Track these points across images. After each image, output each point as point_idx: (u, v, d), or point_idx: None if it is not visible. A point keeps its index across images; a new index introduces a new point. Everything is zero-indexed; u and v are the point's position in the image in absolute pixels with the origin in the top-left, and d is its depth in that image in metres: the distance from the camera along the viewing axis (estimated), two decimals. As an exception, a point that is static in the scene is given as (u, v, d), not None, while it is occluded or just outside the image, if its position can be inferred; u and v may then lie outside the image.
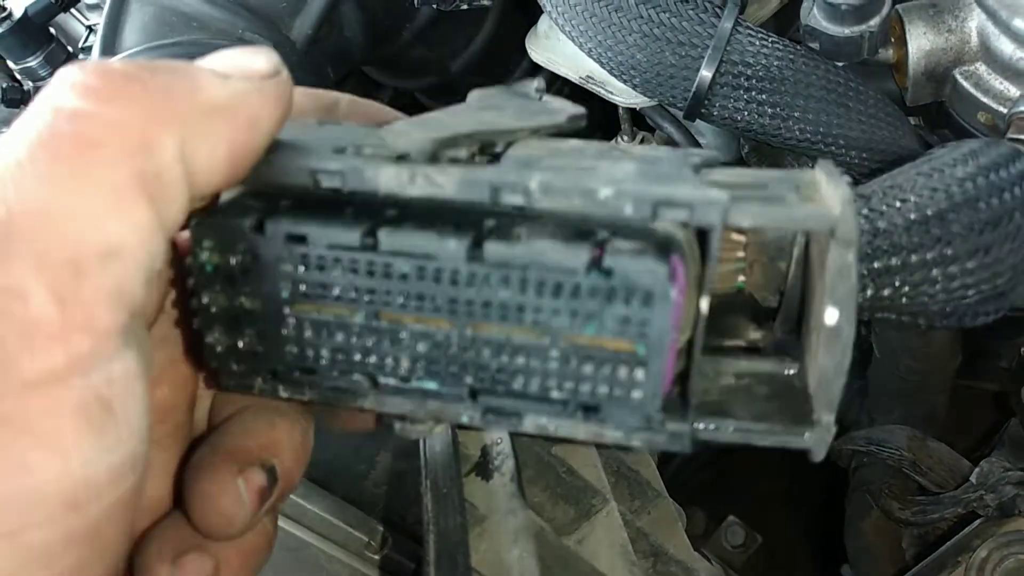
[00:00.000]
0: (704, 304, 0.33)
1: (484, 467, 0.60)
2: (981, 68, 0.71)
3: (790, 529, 1.46)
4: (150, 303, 0.37)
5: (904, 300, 0.52)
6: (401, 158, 0.33)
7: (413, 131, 0.35)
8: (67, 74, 0.30)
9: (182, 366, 0.40)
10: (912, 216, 0.50)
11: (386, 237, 0.32)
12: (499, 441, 0.61)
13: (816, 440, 0.33)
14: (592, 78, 0.97)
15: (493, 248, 0.32)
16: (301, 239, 0.33)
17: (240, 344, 0.35)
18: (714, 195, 0.31)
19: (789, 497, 1.50)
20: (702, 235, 0.32)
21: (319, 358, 0.35)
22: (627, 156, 0.34)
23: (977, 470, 0.87)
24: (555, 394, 0.33)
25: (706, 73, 0.70)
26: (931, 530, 0.97)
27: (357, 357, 0.34)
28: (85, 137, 0.28)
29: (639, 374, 0.32)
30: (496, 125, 0.36)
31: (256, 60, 0.33)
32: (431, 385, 0.34)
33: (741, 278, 0.39)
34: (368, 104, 0.46)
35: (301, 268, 0.33)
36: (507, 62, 1.22)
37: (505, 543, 0.52)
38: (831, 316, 0.32)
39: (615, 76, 0.75)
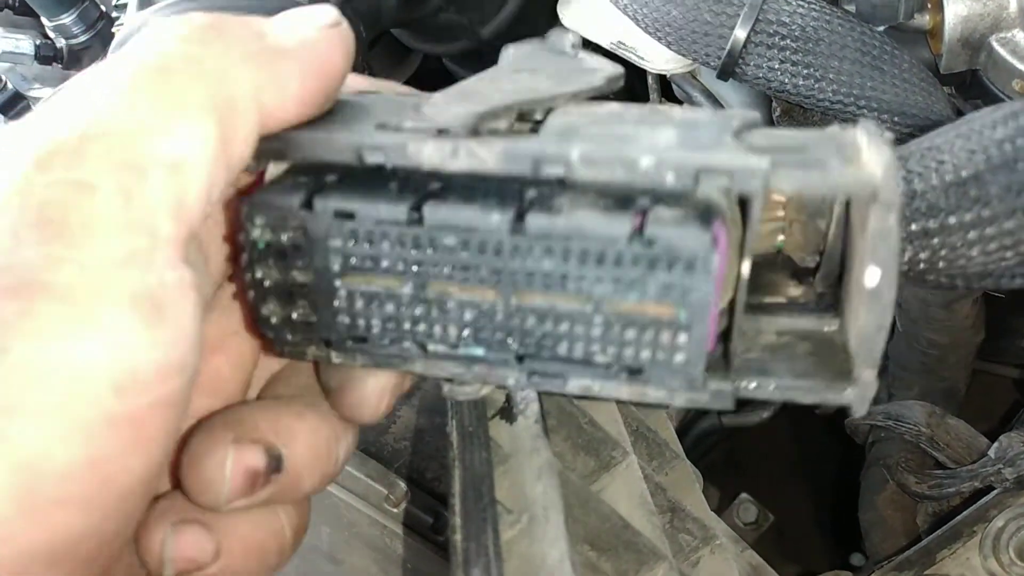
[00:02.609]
0: (745, 267, 0.34)
1: (508, 411, 0.60)
2: (1019, 35, 0.71)
3: (802, 508, 1.46)
4: (211, 242, 0.39)
5: (942, 263, 0.52)
6: (442, 132, 0.34)
7: (453, 105, 0.36)
8: (150, 24, 0.32)
9: (240, 340, 0.41)
10: (949, 178, 0.50)
11: (431, 212, 0.33)
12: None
13: (857, 396, 0.34)
14: (623, 43, 0.97)
15: (535, 220, 0.32)
16: (349, 215, 0.34)
17: (294, 316, 0.37)
18: (755, 163, 0.31)
19: (801, 476, 1.50)
20: (743, 198, 0.33)
21: (370, 328, 0.36)
22: (667, 121, 0.34)
23: (996, 444, 0.87)
24: (599, 359, 0.34)
25: (741, 32, 0.70)
26: (946, 505, 0.97)
27: (407, 326, 0.36)
28: (165, 65, 0.31)
29: (682, 338, 0.33)
30: (534, 93, 0.37)
31: (319, 13, 0.36)
32: (478, 351, 0.35)
33: (781, 237, 0.40)
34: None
35: (350, 242, 0.34)
36: (537, 28, 1.21)
37: (529, 479, 0.53)
38: (872, 277, 0.32)
39: (649, 33, 0.75)
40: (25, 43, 1.33)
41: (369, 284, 0.35)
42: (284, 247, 0.35)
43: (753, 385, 0.35)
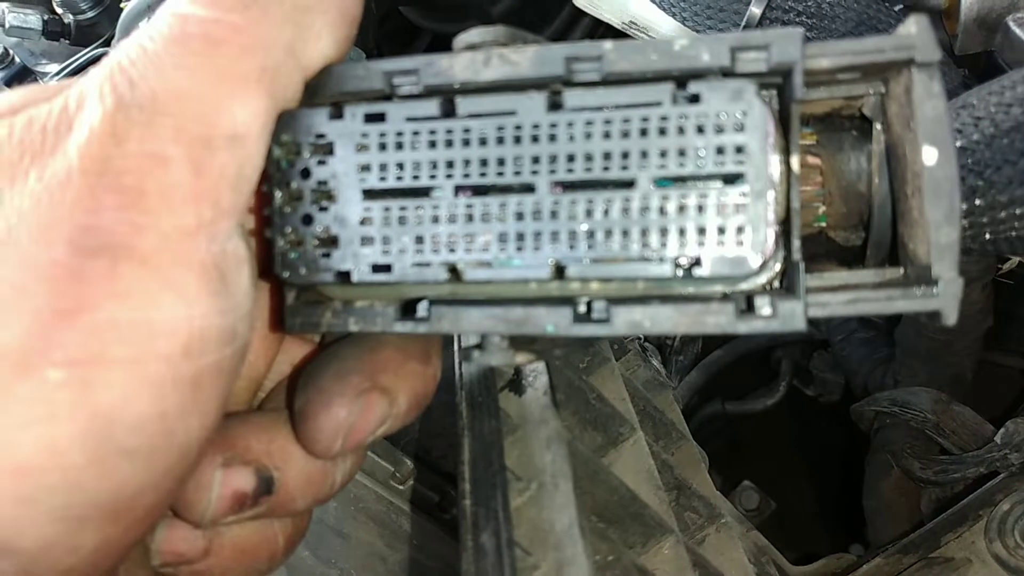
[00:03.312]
0: (795, 162, 0.32)
1: (517, 383, 0.60)
2: (1035, 15, 0.70)
3: (804, 496, 1.46)
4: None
5: (988, 228, 0.51)
6: (473, 46, 0.34)
7: (475, 35, 0.35)
8: None
9: (258, 341, 0.41)
10: (990, 131, 0.49)
11: (464, 101, 0.33)
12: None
13: (945, 296, 0.31)
14: (635, 23, 0.96)
15: (573, 95, 0.32)
16: (379, 117, 0.34)
17: (311, 245, 0.35)
18: (790, 29, 0.31)
19: (804, 464, 1.50)
20: (784, 71, 0.31)
21: (396, 250, 0.34)
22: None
23: (1003, 430, 0.87)
24: (651, 251, 0.32)
25: (756, 9, 0.70)
26: (949, 491, 0.97)
27: (436, 242, 0.34)
28: (212, 36, 0.32)
29: (741, 211, 0.31)
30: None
31: None
32: (515, 262, 0.33)
33: (822, 208, 0.38)
34: None
35: (379, 151, 0.34)
36: (547, 7, 1.21)
37: (538, 448, 0.52)
38: (929, 156, 0.31)
39: (663, 9, 0.75)
40: (33, 18, 1.33)
41: (396, 199, 0.34)
42: (308, 165, 0.34)
43: (825, 300, 0.32)
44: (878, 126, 0.37)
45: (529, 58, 0.32)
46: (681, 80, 0.31)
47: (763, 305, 0.32)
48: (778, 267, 0.33)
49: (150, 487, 0.31)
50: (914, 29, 0.31)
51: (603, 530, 0.55)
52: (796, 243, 0.32)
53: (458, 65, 0.33)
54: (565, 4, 1.09)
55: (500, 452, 0.51)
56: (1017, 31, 0.71)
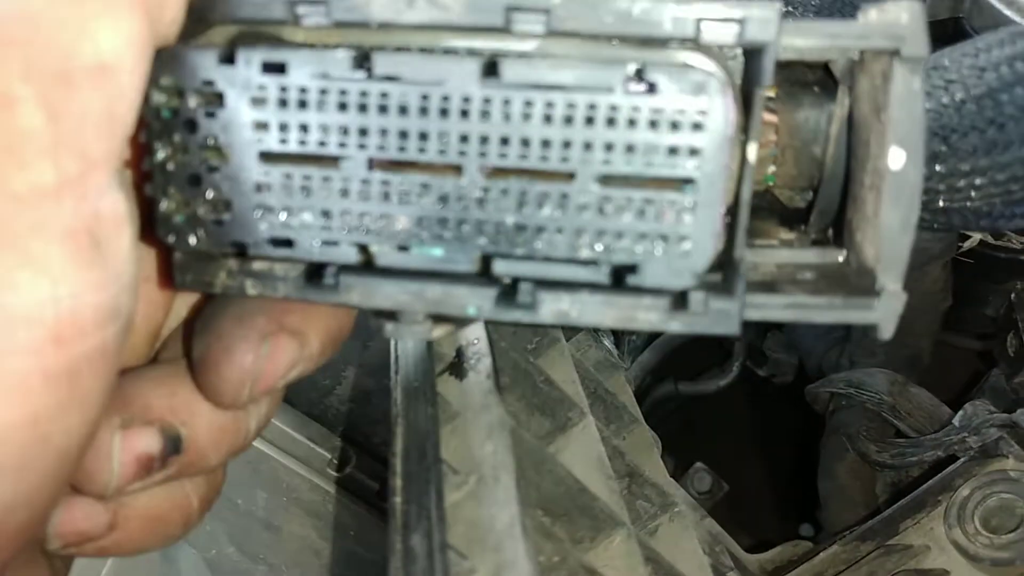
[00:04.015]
0: (752, 152, 0.29)
1: (458, 367, 0.56)
2: (1006, -21, 0.67)
3: (757, 478, 1.45)
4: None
5: (943, 196, 0.48)
6: None
7: None
8: None
9: (151, 288, 0.36)
10: (960, 96, 0.46)
11: (383, 59, 0.28)
12: (475, 341, 0.57)
13: (885, 311, 0.30)
14: None
15: (512, 68, 0.27)
16: (279, 68, 0.28)
17: (201, 211, 0.30)
18: (767, 6, 0.27)
19: (757, 446, 1.49)
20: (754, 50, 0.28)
21: (299, 224, 0.30)
22: None
23: (961, 412, 0.85)
24: (585, 253, 0.29)
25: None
26: (905, 475, 0.95)
27: (345, 220, 0.29)
28: None
29: (687, 219, 0.28)
30: None
31: None
32: (435, 251, 0.29)
33: (771, 168, 0.35)
34: None
35: (279, 108, 0.28)
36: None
37: (478, 438, 0.48)
38: (896, 159, 0.28)
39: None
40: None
41: (300, 164, 0.29)
42: (194, 115, 0.29)
43: (762, 302, 0.30)
44: (845, 88, 0.34)
45: (462, 2, 0.28)
46: (639, 68, 0.28)
47: (697, 303, 0.29)
48: (716, 254, 0.30)
49: (22, 503, 0.27)
50: (905, 18, 0.28)
51: (549, 526, 0.51)
52: (740, 238, 0.29)
53: (377, 1, 0.28)
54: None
55: (436, 443, 0.47)
56: (987, -4, 0.68)
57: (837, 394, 1.02)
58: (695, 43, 0.28)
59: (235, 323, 0.34)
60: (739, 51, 0.30)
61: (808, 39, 0.28)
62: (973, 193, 0.47)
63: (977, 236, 0.86)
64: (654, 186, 0.28)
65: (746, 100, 0.29)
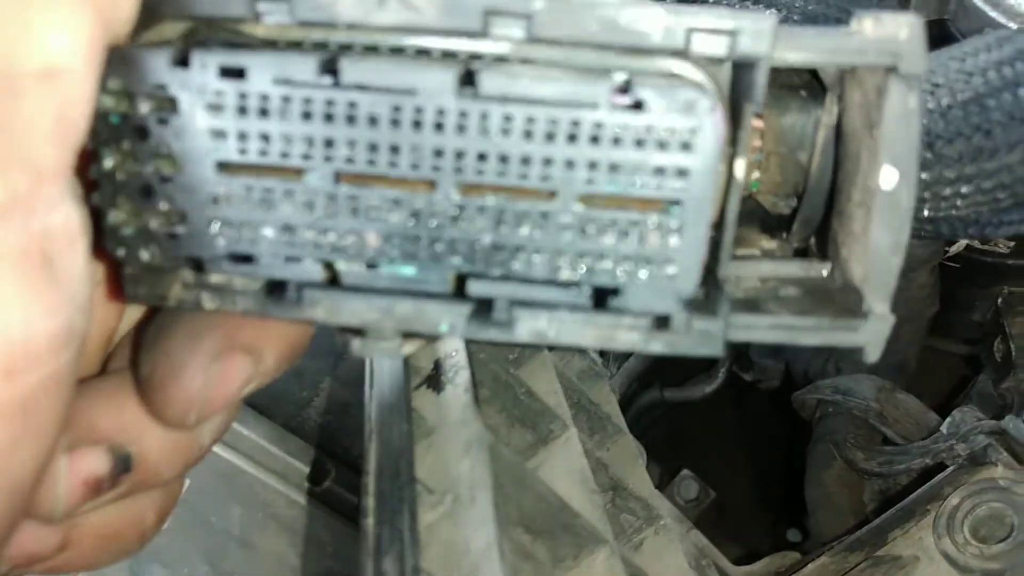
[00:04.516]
0: (740, 168, 0.28)
1: (436, 379, 0.54)
2: (991, -19, 0.66)
3: (744, 485, 1.44)
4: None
5: (928, 205, 0.47)
6: None
7: None
8: None
9: (101, 295, 0.34)
10: (946, 101, 0.45)
11: (351, 66, 0.26)
12: (454, 353, 0.56)
13: (872, 333, 0.29)
14: None
15: (491, 80, 0.26)
16: (238, 73, 0.26)
17: (153, 223, 0.28)
18: (761, 19, 0.26)
19: (744, 453, 1.48)
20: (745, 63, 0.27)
21: (258, 240, 0.28)
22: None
23: (948, 420, 0.84)
24: (566, 274, 0.28)
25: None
26: (893, 483, 0.94)
27: (309, 235, 0.28)
28: None
29: (673, 241, 0.27)
30: None
31: None
32: (407, 271, 0.28)
33: (756, 174, 0.34)
34: None
35: (237, 115, 0.27)
36: None
37: (455, 455, 0.46)
38: (888, 178, 0.27)
39: None
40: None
41: (260, 176, 0.27)
42: (145, 122, 0.27)
43: (747, 323, 0.29)
44: (833, 97, 0.33)
45: (437, 4, 0.26)
46: (626, 80, 0.26)
47: (679, 323, 0.28)
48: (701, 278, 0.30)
49: None
50: (904, 34, 0.27)
51: (528, 545, 0.49)
52: (726, 255, 0.29)
53: (345, 1, 0.26)
54: None
55: (410, 461, 0.45)
56: (972, -2, 0.67)
57: (824, 401, 1.01)
58: (684, 54, 0.27)
59: (184, 340, 0.32)
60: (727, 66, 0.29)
61: (802, 53, 0.27)
62: (959, 201, 0.45)
63: (963, 241, 0.85)
64: (638, 207, 0.27)
65: (734, 111, 0.28)
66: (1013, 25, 0.65)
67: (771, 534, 1.32)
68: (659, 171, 0.26)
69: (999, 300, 0.93)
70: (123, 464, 0.33)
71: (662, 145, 0.26)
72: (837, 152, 0.32)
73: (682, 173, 0.26)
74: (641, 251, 0.27)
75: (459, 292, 0.28)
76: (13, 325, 0.23)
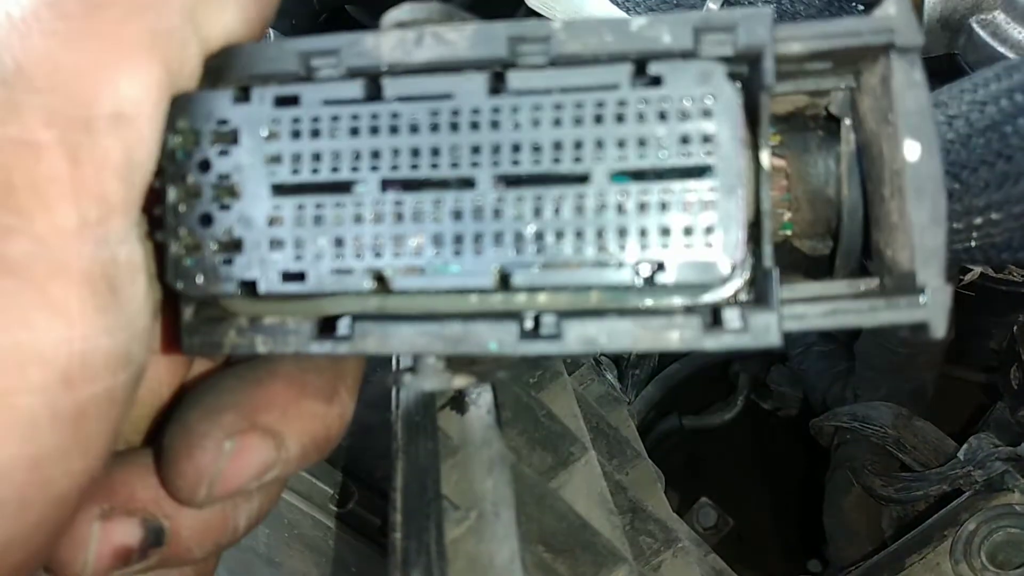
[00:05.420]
0: (765, 158, 0.29)
1: (459, 401, 0.56)
2: (999, 16, 0.68)
3: (762, 513, 1.44)
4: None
5: (963, 229, 0.47)
6: (404, 24, 0.30)
7: (405, 12, 0.31)
8: None
9: (155, 363, 0.35)
10: (966, 131, 0.46)
11: (392, 82, 0.29)
12: (477, 376, 0.57)
13: (934, 305, 0.28)
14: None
15: (518, 75, 0.28)
16: (292, 100, 0.29)
17: (211, 249, 0.30)
18: (758, 8, 0.28)
19: (762, 480, 1.48)
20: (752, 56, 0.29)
21: (310, 255, 0.29)
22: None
23: (965, 446, 0.85)
24: (608, 255, 0.28)
25: (713, 6, 0.67)
26: (911, 509, 0.94)
27: (358, 246, 0.29)
28: None
29: (711, 209, 0.28)
30: None
31: None
32: (452, 268, 0.29)
33: (787, 215, 0.35)
34: None
35: (291, 139, 0.29)
36: (499, 10, 1.17)
37: (479, 473, 0.48)
38: (912, 150, 0.28)
39: (624, 10, 0.71)
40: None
41: (312, 195, 0.29)
42: (208, 154, 0.29)
43: (799, 313, 0.29)
44: (847, 122, 0.34)
45: (468, 37, 0.29)
46: (640, 62, 0.28)
47: (733, 318, 0.28)
48: (746, 276, 0.30)
49: (18, 544, 0.27)
50: (893, 10, 0.28)
51: (550, 562, 0.51)
52: (768, 248, 0.29)
53: (386, 44, 0.29)
54: (519, 6, 1.05)
55: (436, 478, 0.47)
56: (980, 33, 0.69)
57: (842, 428, 1.02)
58: (694, 55, 0.29)
59: (203, 416, 0.32)
60: (738, 79, 0.30)
61: (802, 43, 0.29)
62: (992, 229, 0.46)
63: (978, 269, 0.86)
64: (672, 178, 0.28)
65: (751, 117, 0.30)
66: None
67: (790, 563, 1.32)
68: (685, 139, 0.28)
69: (1015, 329, 0.94)
70: (155, 537, 0.33)
71: (684, 115, 0.28)
72: (863, 172, 0.33)
73: (707, 139, 0.28)
74: (680, 221, 0.28)
75: (504, 285, 0.29)
76: (76, 338, 0.25)
